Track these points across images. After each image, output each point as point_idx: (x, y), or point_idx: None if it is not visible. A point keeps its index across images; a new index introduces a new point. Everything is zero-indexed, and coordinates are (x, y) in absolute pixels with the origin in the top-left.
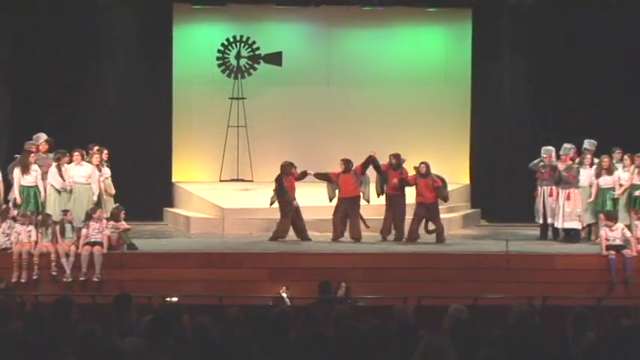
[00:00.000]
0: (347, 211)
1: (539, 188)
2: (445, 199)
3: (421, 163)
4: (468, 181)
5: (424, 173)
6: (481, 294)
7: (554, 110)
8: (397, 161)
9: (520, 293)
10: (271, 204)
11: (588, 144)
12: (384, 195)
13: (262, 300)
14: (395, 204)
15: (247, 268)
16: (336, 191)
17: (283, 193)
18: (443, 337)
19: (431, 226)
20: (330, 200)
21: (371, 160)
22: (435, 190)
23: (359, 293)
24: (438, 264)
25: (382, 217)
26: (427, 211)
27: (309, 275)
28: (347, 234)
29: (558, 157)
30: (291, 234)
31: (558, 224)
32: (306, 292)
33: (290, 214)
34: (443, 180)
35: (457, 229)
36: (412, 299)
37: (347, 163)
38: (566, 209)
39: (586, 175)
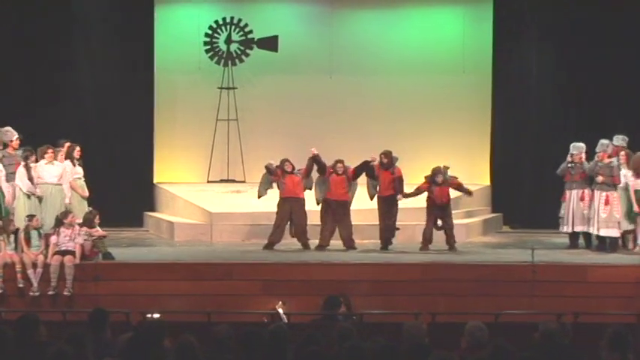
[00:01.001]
0: (336, 217)
1: (567, 192)
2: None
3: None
4: (488, 182)
5: (440, 183)
6: (503, 310)
7: (587, 102)
8: (389, 160)
9: (547, 309)
10: (259, 196)
11: (619, 140)
12: (377, 198)
13: (255, 317)
14: (390, 206)
15: (238, 281)
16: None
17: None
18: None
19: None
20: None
21: (367, 167)
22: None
23: (365, 308)
24: (454, 276)
25: (375, 223)
26: (441, 210)
27: (308, 289)
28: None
29: (589, 154)
30: (292, 241)
31: (593, 231)
32: (305, 308)
33: (285, 215)
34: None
35: (476, 236)
36: (425, 315)
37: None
38: (602, 215)
39: (620, 175)
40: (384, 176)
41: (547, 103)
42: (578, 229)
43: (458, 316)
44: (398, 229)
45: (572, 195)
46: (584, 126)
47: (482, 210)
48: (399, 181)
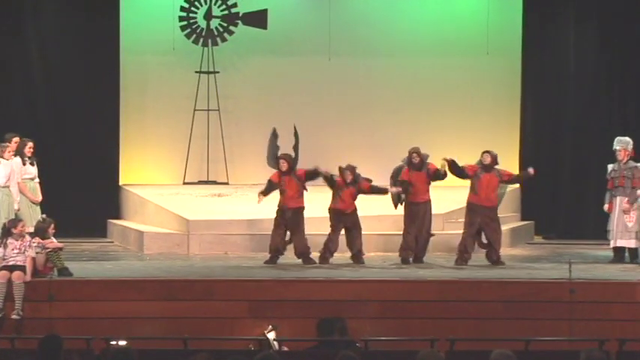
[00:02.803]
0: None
1: (611, 200)
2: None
3: (485, 152)
4: (517, 184)
5: (488, 165)
6: (535, 335)
7: (634, 90)
8: (420, 159)
9: (588, 335)
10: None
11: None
12: (404, 204)
13: (241, 343)
14: (420, 213)
15: (221, 301)
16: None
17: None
18: None
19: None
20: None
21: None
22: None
23: (371, 334)
24: (476, 295)
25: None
26: (484, 217)
27: (303, 310)
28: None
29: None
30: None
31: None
32: (300, 333)
33: (282, 224)
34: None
35: (503, 247)
36: (443, 342)
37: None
38: (628, 224)
39: None
40: (416, 178)
41: (587, 92)
42: (620, 243)
43: (481, 343)
44: (432, 234)
45: (616, 203)
46: (633, 118)
47: (510, 217)
48: (435, 173)
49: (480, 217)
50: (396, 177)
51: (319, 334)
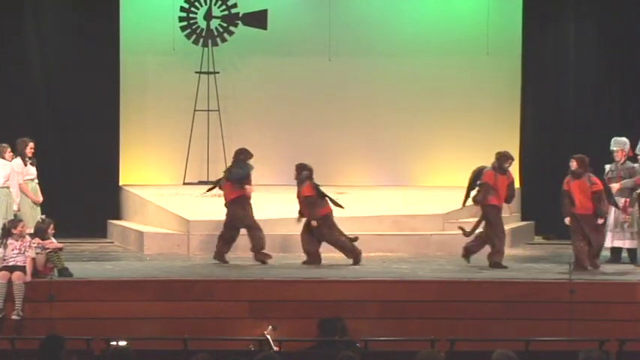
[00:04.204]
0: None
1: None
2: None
3: (574, 157)
4: (517, 184)
5: (578, 172)
6: (535, 336)
7: (633, 90)
8: (500, 163)
9: (588, 335)
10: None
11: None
12: (482, 205)
13: (240, 344)
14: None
15: (221, 301)
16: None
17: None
18: None
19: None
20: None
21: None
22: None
23: (371, 334)
24: (476, 295)
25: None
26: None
27: (303, 310)
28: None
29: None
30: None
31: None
32: (300, 334)
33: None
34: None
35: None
36: (443, 343)
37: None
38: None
39: None
40: (502, 182)
41: (587, 92)
42: (617, 244)
43: (481, 343)
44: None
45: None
46: (633, 118)
47: (510, 217)
48: (513, 185)
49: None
50: (476, 179)
51: (320, 335)
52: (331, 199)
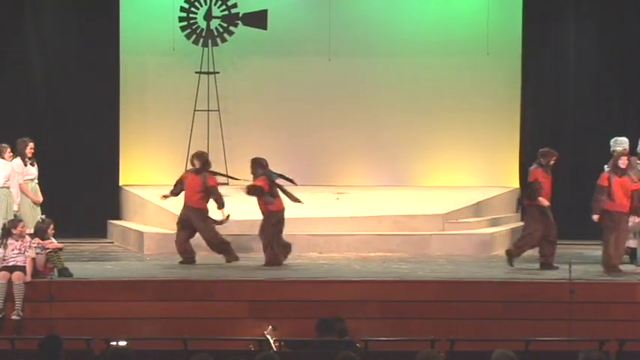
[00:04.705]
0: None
1: None
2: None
3: (624, 155)
4: (517, 184)
5: (624, 170)
6: (535, 336)
7: (633, 91)
8: (547, 161)
9: (588, 335)
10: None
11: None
12: (532, 206)
13: (240, 343)
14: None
15: (221, 301)
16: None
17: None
18: None
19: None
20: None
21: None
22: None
23: (371, 334)
24: (476, 295)
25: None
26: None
27: (303, 310)
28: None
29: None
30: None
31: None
32: (300, 334)
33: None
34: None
35: (502, 247)
36: (443, 343)
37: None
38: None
39: None
40: (547, 180)
41: (587, 92)
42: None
43: (481, 343)
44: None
45: None
46: (633, 118)
47: (510, 217)
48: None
49: (622, 224)
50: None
51: (319, 335)
52: (287, 193)
